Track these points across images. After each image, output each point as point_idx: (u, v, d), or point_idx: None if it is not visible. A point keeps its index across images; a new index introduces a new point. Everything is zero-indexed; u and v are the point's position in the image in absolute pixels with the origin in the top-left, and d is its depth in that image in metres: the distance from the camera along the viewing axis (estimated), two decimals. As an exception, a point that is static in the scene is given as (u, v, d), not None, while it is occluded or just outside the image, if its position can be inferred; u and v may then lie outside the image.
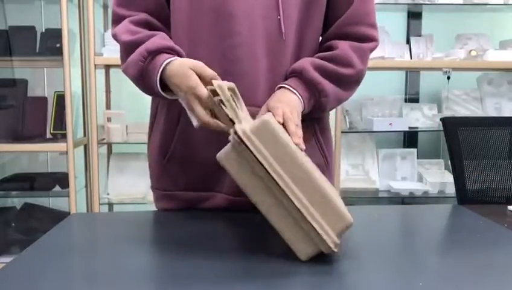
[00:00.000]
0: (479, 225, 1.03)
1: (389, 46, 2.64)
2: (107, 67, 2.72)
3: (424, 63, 2.65)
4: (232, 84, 0.92)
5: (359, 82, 1.12)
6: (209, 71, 0.93)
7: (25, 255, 0.83)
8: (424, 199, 2.60)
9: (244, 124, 0.83)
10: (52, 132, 2.62)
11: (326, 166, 1.14)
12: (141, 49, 0.99)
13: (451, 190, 2.53)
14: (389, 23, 2.70)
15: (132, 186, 2.59)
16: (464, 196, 1.58)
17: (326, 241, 0.78)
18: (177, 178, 1.11)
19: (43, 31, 2.67)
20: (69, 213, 2.41)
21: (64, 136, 2.47)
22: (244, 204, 0.93)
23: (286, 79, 1.06)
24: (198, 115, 0.92)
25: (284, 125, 0.92)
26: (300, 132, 0.93)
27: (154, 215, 1.11)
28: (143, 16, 1.06)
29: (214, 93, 0.88)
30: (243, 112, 0.91)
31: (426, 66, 2.65)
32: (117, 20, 1.08)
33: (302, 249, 0.80)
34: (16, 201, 2.77)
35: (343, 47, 1.07)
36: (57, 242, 0.91)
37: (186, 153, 1.08)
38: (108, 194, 2.59)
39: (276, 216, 0.81)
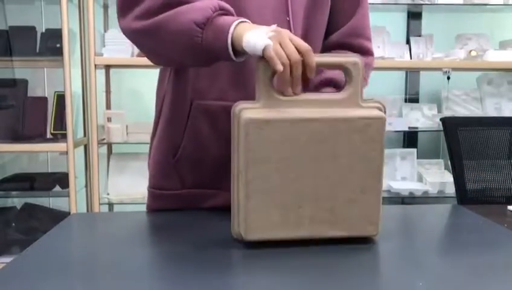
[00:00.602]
0: (479, 225, 1.03)
1: (389, 46, 2.64)
2: (107, 67, 2.72)
3: (424, 63, 2.65)
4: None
5: None
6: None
7: (25, 255, 0.83)
8: (424, 199, 2.61)
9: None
10: (52, 132, 2.62)
11: None
12: (211, 2, 0.89)
13: (451, 189, 2.52)
14: (389, 23, 2.70)
15: (132, 186, 2.59)
16: (464, 196, 1.58)
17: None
18: (185, 177, 1.10)
19: (43, 31, 2.67)
20: (69, 213, 2.42)
21: (64, 136, 2.47)
22: None
23: (317, 86, 1.06)
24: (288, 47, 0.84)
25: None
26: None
27: (154, 215, 1.11)
28: None
29: None
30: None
31: (426, 66, 2.65)
32: None
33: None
34: (16, 201, 2.77)
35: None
36: (57, 242, 0.91)
37: (194, 151, 1.08)
38: (108, 194, 2.59)
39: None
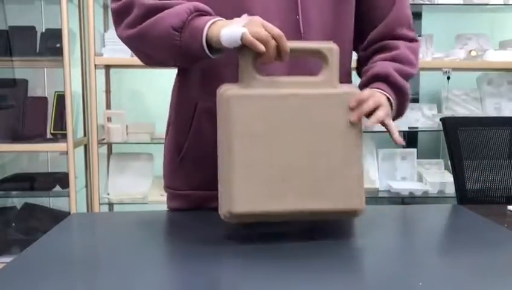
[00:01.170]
0: (479, 225, 1.03)
1: (389, 46, 2.63)
2: (107, 67, 2.72)
3: (424, 63, 2.64)
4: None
5: None
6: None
7: (25, 255, 0.83)
8: (424, 199, 2.60)
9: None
10: (52, 131, 2.62)
11: None
12: (186, 5, 0.94)
13: (451, 189, 2.52)
14: (389, 23, 2.70)
15: (132, 186, 2.59)
16: (464, 196, 1.58)
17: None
18: (191, 177, 1.11)
19: (43, 31, 2.67)
20: (69, 213, 2.41)
21: (64, 136, 2.47)
22: None
23: (365, 83, 1.06)
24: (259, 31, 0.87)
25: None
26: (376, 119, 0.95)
27: (154, 215, 1.11)
28: None
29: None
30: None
31: (426, 66, 2.65)
32: None
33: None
34: (16, 201, 2.77)
35: (402, 47, 1.10)
36: (57, 242, 0.91)
37: (199, 152, 1.08)
38: (108, 194, 2.59)
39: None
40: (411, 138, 2.90)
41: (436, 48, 2.71)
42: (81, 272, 0.77)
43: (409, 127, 2.65)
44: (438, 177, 2.67)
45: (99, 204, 2.47)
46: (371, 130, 2.56)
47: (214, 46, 0.91)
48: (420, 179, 2.72)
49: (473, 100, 2.78)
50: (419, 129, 2.73)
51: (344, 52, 1.11)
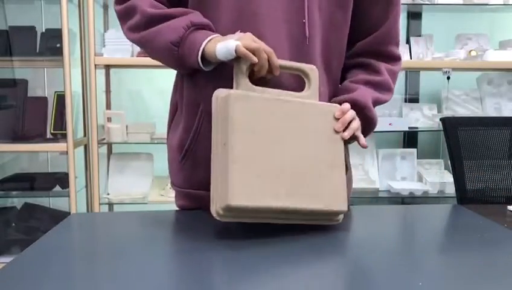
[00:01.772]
0: (479, 225, 1.03)
1: (389, 46, 2.63)
2: (107, 67, 2.72)
3: (424, 63, 2.65)
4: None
5: None
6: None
7: (25, 255, 0.83)
8: (424, 199, 2.61)
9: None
10: (52, 131, 2.62)
11: None
12: (184, 19, 1.01)
13: (451, 190, 2.52)
14: (389, 23, 2.70)
15: (132, 186, 2.59)
16: (464, 196, 1.58)
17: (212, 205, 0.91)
18: (191, 176, 1.12)
19: (43, 31, 2.67)
20: (69, 213, 2.42)
21: (64, 136, 2.47)
22: None
23: (342, 100, 1.08)
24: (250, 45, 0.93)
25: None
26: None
27: (154, 215, 1.11)
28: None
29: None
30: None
31: (426, 66, 2.65)
32: None
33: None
34: (16, 201, 2.77)
35: (385, 73, 1.14)
36: (57, 242, 0.91)
37: (200, 152, 1.09)
38: (108, 194, 2.59)
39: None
40: (411, 138, 2.91)
41: (436, 48, 2.71)
42: (81, 272, 0.77)
43: (409, 127, 2.65)
44: (438, 177, 2.68)
45: (99, 204, 2.47)
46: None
47: (209, 60, 0.99)
48: (420, 179, 2.72)
49: (473, 100, 2.78)
50: (419, 129, 2.73)
51: (340, 56, 1.12)
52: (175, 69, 1.12)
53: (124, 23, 1.09)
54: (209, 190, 1.10)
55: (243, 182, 0.88)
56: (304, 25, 1.03)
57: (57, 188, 2.63)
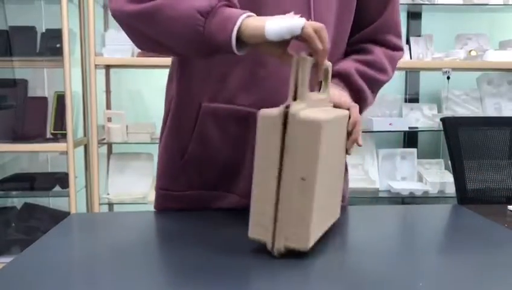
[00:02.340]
0: (479, 225, 1.03)
1: (389, 46, 2.63)
2: (107, 67, 2.72)
3: (424, 63, 2.65)
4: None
5: None
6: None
7: (25, 255, 0.83)
8: (424, 199, 2.61)
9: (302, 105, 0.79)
10: (52, 131, 2.62)
11: None
12: None
13: (451, 189, 2.53)
14: (389, 23, 2.70)
15: (132, 186, 2.60)
16: (464, 196, 1.58)
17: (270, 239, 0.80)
18: (192, 178, 1.09)
19: (44, 31, 2.67)
20: (69, 213, 2.42)
21: (64, 136, 2.47)
22: None
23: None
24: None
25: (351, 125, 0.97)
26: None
27: (154, 215, 1.11)
28: None
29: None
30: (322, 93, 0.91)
31: (426, 66, 2.65)
32: None
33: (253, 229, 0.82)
34: (16, 201, 2.77)
35: (378, 53, 1.11)
36: (57, 242, 0.91)
37: (202, 154, 1.06)
38: (108, 194, 2.59)
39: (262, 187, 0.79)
40: (411, 138, 2.91)
41: (436, 48, 2.71)
42: (81, 272, 0.77)
43: (409, 127, 2.65)
44: (438, 177, 2.68)
45: (99, 204, 2.47)
46: (371, 130, 2.57)
47: (244, 41, 0.83)
48: (420, 179, 2.72)
49: (473, 100, 2.78)
50: (419, 129, 2.73)
51: (341, 49, 1.12)
52: (185, 53, 0.92)
53: None
54: (209, 190, 1.10)
55: (314, 222, 0.79)
56: (310, 17, 1.01)
57: (57, 188, 2.63)
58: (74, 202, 2.42)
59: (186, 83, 1.05)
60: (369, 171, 2.69)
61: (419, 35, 2.80)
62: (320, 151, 0.76)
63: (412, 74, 2.89)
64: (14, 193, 2.73)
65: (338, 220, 1.01)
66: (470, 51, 2.63)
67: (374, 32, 1.13)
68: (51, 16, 2.64)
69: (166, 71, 1.14)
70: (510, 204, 1.23)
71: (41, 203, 2.75)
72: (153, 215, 1.11)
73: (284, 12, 0.92)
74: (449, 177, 2.59)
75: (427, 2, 2.63)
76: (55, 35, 2.53)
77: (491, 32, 2.84)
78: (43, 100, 2.67)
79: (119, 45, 2.43)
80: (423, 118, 2.76)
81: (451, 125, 1.61)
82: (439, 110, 2.79)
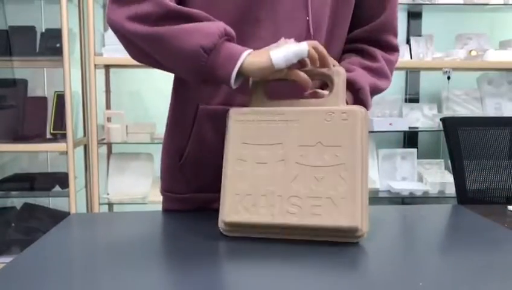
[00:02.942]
0: (479, 225, 1.03)
1: (389, 46, 2.64)
2: (107, 67, 2.72)
3: (424, 63, 2.65)
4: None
5: None
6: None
7: (25, 255, 0.83)
8: (424, 199, 2.61)
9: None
10: (52, 132, 2.62)
11: None
12: (216, 25, 0.90)
13: (451, 189, 2.53)
14: (389, 23, 2.70)
15: (132, 186, 2.59)
16: (464, 196, 1.58)
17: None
18: (191, 181, 1.10)
19: (43, 31, 2.67)
20: (69, 213, 2.42)
21: (64, 136, 2.47)
22: None
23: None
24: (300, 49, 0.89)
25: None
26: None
27: (154, 215, 1.11)
28: None
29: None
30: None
31: (426, 66, 2.65)
32: None
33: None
34: (16, 201, 2.77)
35: (381, 59, 1.11)
36: (57, 242, 0.91)
37: (200, 156, 1.07)
38: (108, 194, 2.59)
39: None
40: (411, 138, 2.91)
41: (436, 48, 2.71)
42: (81, 272, 0.77)
43: (409, 127, 2.65)
44: (438, 177, 2.68)
45: (99, 204, 2.47)
46: (371, 130, 2.57)
47: (244, 75, 0.91)
48: (420, 179, 2.72)
49: (473, 100, 2.78)
50: (419, 129, 2.74)
51: (340, 50, 1.12)
52: (183, 76, 0.98)
53: (123, 5, 0.94)
54: (209, 192, 1.10)
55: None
56: (308, 23, 1.01)
57: (57, 188, 2.63)
58: (74, 202, 2.42)
59: (183, 84, 1.06)
60: (369, 171, 2.69)
61: (420, 35, 2.80)
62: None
63: (412, 73, 2.89)
64: (14, 193, 2.73)
65: None
66: (470, 51, 2.63)
67: (372, 31, 1.13)
68: (51, 15, 2.64)
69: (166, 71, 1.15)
70: (510, 204, 1.23)
71: (41, 204, 2.75)
72: (153, 215, 1.11)
73: (283, 10, 0.98)
74: (449, 178, 2.59)
75: (427, 2, 2.63)
76: (54, 35, 2.53)
77: (491, 32, 2.84)
78: (43, 100, 2.67)
79: (119, 44, 2.39)
80: (423, 118, 2.76)
81: (451, 125, 1.61)
82: (439, 110, 2.79)
